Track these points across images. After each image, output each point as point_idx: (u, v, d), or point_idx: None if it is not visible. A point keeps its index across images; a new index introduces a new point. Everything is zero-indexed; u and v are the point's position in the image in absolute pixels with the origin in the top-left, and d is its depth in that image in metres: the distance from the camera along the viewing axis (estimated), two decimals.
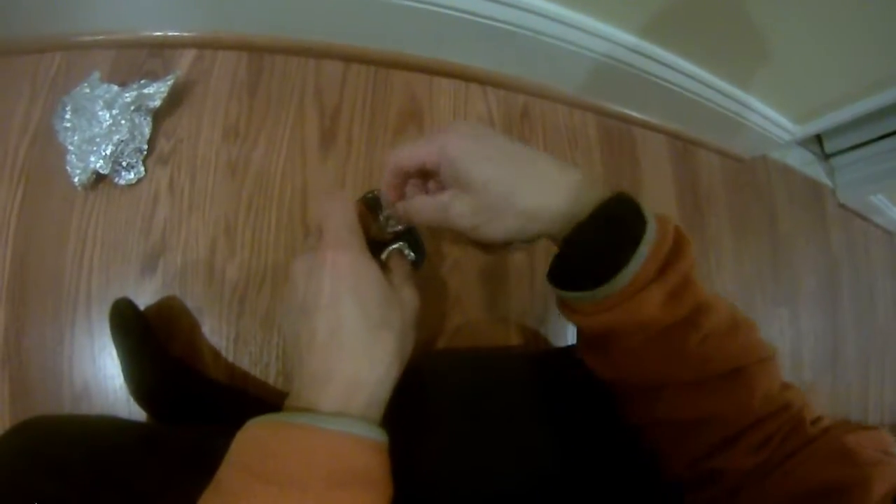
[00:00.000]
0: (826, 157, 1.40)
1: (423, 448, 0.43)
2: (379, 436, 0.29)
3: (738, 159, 1.14)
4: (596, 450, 0.43)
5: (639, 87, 0.85)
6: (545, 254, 0.76)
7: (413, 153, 0.35)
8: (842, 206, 1.44)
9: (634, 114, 0.95)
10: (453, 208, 0.34)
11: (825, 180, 1.40)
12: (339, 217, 0.34)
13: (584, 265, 0.33)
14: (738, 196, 1.12)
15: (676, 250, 0.32)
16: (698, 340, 0.32)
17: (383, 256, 0.40)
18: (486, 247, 0.68)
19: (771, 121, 1.00)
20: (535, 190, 0.33)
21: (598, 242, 0.33)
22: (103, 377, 0.58)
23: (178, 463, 0.39)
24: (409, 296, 0.36)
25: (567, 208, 0.33)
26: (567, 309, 0.37)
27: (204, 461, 0.28)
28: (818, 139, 1.39)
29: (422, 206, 0.36)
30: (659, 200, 0.95)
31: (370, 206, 0.43)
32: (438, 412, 0.47)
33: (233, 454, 0.28)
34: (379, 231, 0.42)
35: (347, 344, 0.30)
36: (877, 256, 1.58)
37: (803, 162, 1.33)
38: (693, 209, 1.01)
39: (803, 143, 1.30)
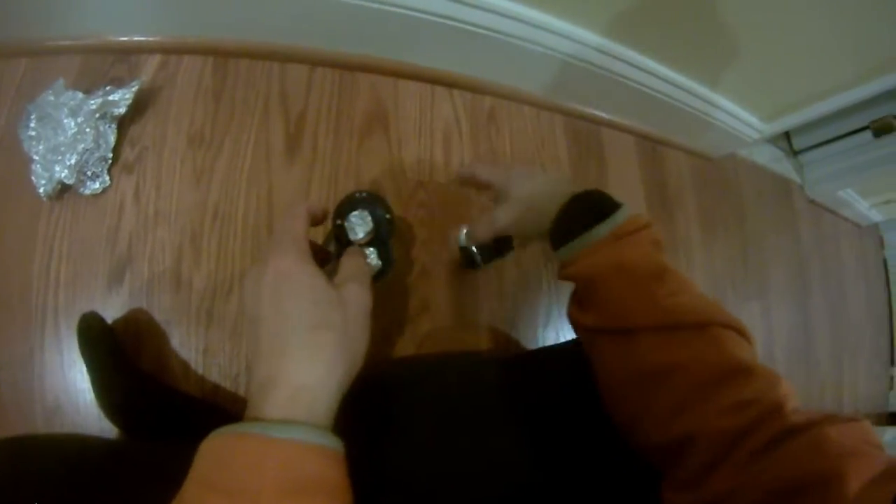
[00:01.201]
0: (794, 153, 1.43)
1: (397, 454, 0.44)
2: (330, 442, 0.29)
3: (707, 158, 1.16)
4: (570, 451, 0.44)
5: (606, 88, 0.86)
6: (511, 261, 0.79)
7: (489, 170, 0.56)
8: (811, 201, 1.47)
9: (602, 114, 0.96)
10: (499, 214, 0.52)
11: (794, 176, 1.43)
12: (282, 227, 0.37)
13: (576, 224, 0.44)
14: (707, 194, 1.13)
15: (645, 225, 0.43)
16: (667, 292, 0.38)
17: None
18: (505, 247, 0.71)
19: (739, 119, 1.02)
20: (552, 206, 0.47)
21: (590, 204, 0.46)
22: (74, 392, 0.57)
23: (148, 478, 0.38)
24: (354, 293, 0.36)
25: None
26: (565, 267, 0.46)
27: (173, 475, 0.28)
28: (786, 136, 1.42)
29: (478, 226, 0.55)
30: (627, 200, 0.90)
31: (343, 209, 0.48)
32: (411, 418, 0.47)
33: (193, 467, 0.28)
34: (345, 235, 0.47)
35: (288, 348, 0.31)
36: (847, 250, 1.61)
37: (772, 159, 1.36)
38: (662, 208, 1.03)
39: (772, 140, 1.32)
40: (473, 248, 0.66)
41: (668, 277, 0.40)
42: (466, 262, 0.70)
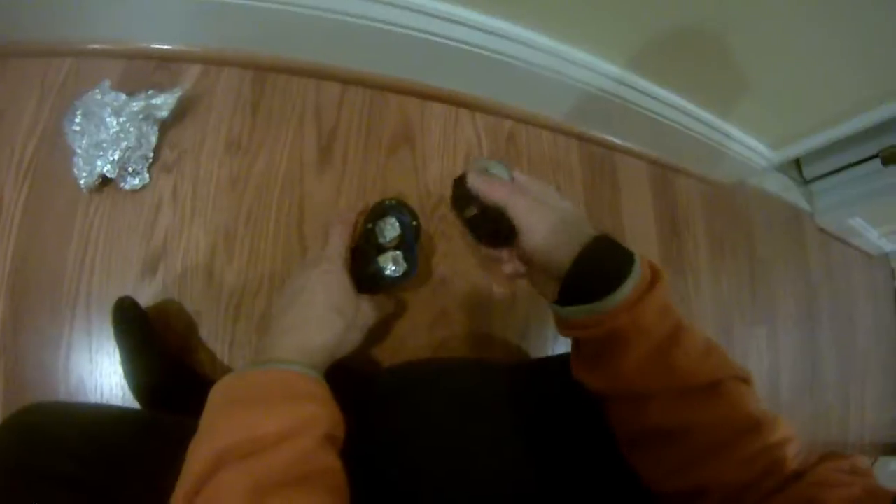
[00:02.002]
0: (805, 182, 1.42)
1: (407, 451, 0.45)
2: (320, 378, 0.41)
3: (717, 185, 1.16)
4: (573, 458, 0.45)
5: (620, 116, 0.87)
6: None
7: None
8: (821, 230, 1.46)
9: (616, 140, 0.97)
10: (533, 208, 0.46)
11: (804, 205, 1.42)
12: (333, 239, 0.53)
13: (594, 283, 0.39)
14: (717, 220, 1.13)
15: (656, 274, 0.39)
16: (682, 352, 0.37)
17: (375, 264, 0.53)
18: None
19: (748, 147, 1.02)
20: (571, 246, 0.41)
21: (602, 264, 0.39)
22: (98, 375, 0.59)
23: (177, 448, 0.41)
24: (369, 311, 0.52)
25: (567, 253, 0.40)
26: (571, 327, 0.42)
27: None
28: (797, 165, 1.42)
29: (496, 187, 0.47)
30: (638, 224, 0.97)
31: (374, 214, 0.55)
32: (422, 418, 0.49)
33: (210, 398, 0.37)
34: (374, 237, 0.54)
35: (312, 315, 0.45)
36: (856, 279, 1.59)
37: (782, 187, 1.35)
38: (671, 233, 1.03)
39: (782, 168, 1.32)
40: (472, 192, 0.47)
41: (683, 336, 0.38)
42: (457, 203, 0.51)
